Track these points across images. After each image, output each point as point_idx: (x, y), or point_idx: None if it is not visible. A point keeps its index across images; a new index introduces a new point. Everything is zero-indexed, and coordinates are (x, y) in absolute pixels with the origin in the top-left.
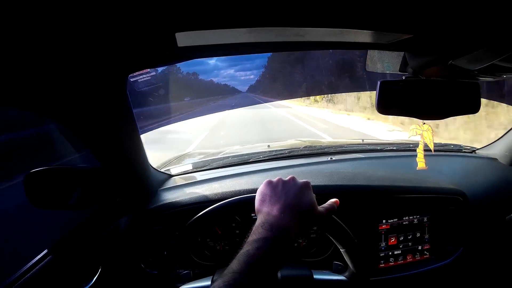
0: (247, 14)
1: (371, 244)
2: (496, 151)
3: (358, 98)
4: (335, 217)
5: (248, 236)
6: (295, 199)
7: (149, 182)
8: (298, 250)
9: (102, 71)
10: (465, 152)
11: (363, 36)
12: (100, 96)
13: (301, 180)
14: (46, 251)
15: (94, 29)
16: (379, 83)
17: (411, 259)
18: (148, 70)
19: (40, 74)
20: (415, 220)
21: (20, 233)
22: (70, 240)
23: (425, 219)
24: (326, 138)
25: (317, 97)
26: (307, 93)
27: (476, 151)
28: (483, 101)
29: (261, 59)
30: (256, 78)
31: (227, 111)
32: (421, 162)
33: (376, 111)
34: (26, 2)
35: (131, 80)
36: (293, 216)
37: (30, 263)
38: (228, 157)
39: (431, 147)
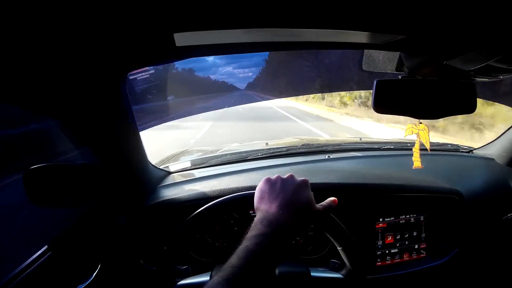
0: (243, 15)
1: (368, 242)
2: (493, 151)
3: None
4: (333, 215)
5: (247, 232)
6: (293, 196)
7: (148, 179)
8: (295, 248)
9: (101, 69)
10: (462, 151)
11: (358, 36)
12: (99, 94)
13: (299, 178)
14: (46, 247)
15: (94, 28)
16: (375, 82)
17: (407, 258)
18: (147, 68)
19: (39, 72)
20: (412, 219)
21: (20, 229)
22: (69, 237)
23: (422, 218)
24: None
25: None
26: (315, 91)
27: (473, 151)
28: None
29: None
30: (255, 76)
31: (220, 112)
32: (417, 161)
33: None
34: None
35: (130, 78)
36: (291, 213)
37: (30, 259)
38: (226, 154)
39: (427, 146)
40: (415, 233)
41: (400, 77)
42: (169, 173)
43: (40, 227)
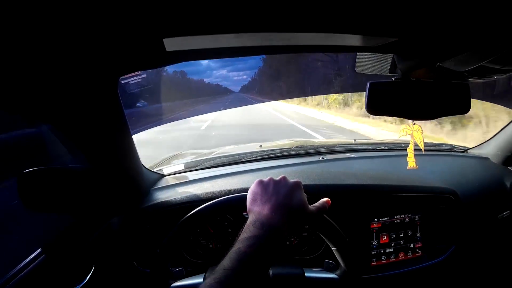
0: (234, 20)
1: (363, 242)
2: (488, 151)
3: None
4: (326, 216)
5: (240, 234)
6: (286, 198)
7: (141, 182)
8: (290, 249)
9: (93, 73)
10: (456, 151)
11: (351, 39)
12: (91, 98)
13: (292, 179)
14: (40, 251)
15: (85, 32)
16: (368, 84)
17: (403, 257)
18: (139, 72)
19: (30, 76)
20: (407, 219)
21: (13, 233)
22: (63, 240)
23: (417, 217)
24: None
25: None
26: (332, 91)
27: (468, 151)
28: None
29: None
30: (249, 79)
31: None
32: (411, 161)
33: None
34: (18, 3)
35: (123, 82)
36: (284, 215)
37: (23, 263)
38: (220, 157)
39: (422, 146)
40: (410, 233)
41: (393, 79)
42: (163, 176)
43: (33, 230)
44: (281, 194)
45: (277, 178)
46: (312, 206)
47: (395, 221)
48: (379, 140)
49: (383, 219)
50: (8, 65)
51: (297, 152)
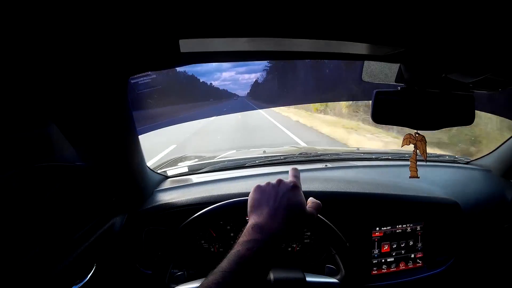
0: (248, 25)
1: (364, 251)
2: (490, 163)
3: None
4: (326, 220)
5: (239, 237)
6: (284, 201)
7: (145, 182)
8: (292, 255)
9: (104, 72)
10: (459, 163)
11: (360, 48)
12: (101, 97)
13: (287, 180)
14: (40, 247)
15: (99, 30)
16: (374, 92)
17: (403, 267)
18: (149, 73)
19: (41, 73)
20: (408, 229)
21: (14, 230)
22: (64, 237)
23: (418, 227)
24: None
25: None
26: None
27: (470, 162)
28: None
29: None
30: (259, 81)
31: None
32: (413, 171)
33: None
34: (33, 2)
35: (132, 82)
36: (283, 219)
37: (23, 259)
38: (224, 161)
39: (424, 157)
40: (411, 243)
41: (399, 88)
42: (166, 177)
43: (35, 227)
44: (279, 197)
45: (274, 182)
46: (309, 207)
47: (397, 231)
48: (383, 150)
49: (385, 228)
50: (16, 63)
51: (301, 158)
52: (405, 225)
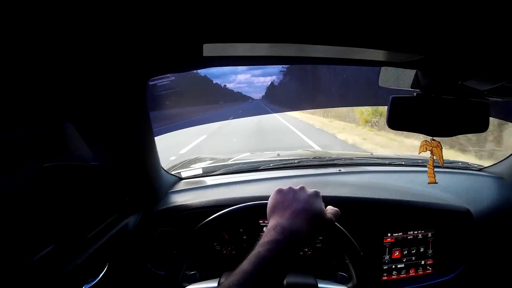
0: (270, 31)
1: (375, 256)
2: (503, 170)
3: None
4: (343, 228)
5: (260, 238)
6: (305, 205)
7: (159, 183)
8: (303, 259)
9: (125, 73)
10: (472, 170)
11: (378, 54)
12: (119, 98)
13: (310, 189)
14: (55, 245)
15: (123, 32)
16: (390, 98)
17: (413, 273)
18: (168, 75)
19: (61, 73)
20: (420, 235)
21: (29, 227)
22: (78, 236)
23: (430, 234)
24: None
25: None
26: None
27: (483, 169)
28: None
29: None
30: (272, 82)
31: None
32: (431, 177)
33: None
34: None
35: (150, 83)
36: (304, 221)
37: (38, 256)
38: (238, 163)
39: (441, 162)
40: (422, 249)
41: (415, 94)
42: (180, 179)
43: (49, 225)
44: (301, 201)
45: (297, 187)
46: (328, 214)
47: (408, 237)
48: (396, 155)
49: (396, 234)
50: (38, 63)
51: (315, 163)
52: (416, 232)
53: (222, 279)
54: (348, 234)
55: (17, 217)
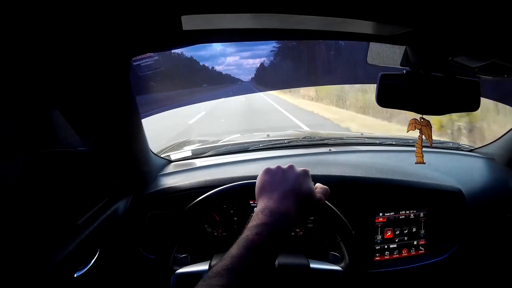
0: None
1: (367, 236)
2: (494, 151)
3: None
4: (333, 207)
5: (248, 222)
6: (294, 185)
7: (148, 167)
8: (295, 240)
9: (105, 53)
10: (463, 150)
11: (365, 26)
12: (102, 79)
13: (299, 168)
14: (45, 234)
15: (98, 9)
16: (379, 75)
17: (406, 254)
18: (152, 54)
19: (41, 59)
20: (412, 215)
21: (19, 215)
22: (68, 223)
23: (421, 214)
24: None
25: None
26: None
27: (474, 150)
28: None
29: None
30: (262, 63)
31: None
32: (419, 157)
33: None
34: None
35: (134, 64)
36: (293, 202)
37: (28, 245)
38: (227, 145)
39: (430, 142)
40: (414, 229)
41: (404, 71)
42: (170, 161)
43: (39, 213)
44: (289, 181)
45: (285, 166)
46: (317, 194)
47: (400, 217)
48: (387, 135)
49: (388, 214)
50: (16, 48)
51: (305, 142)
52: (408, 211)
53: (213, 262)
54: (339, 213)
55: (7, 207)
